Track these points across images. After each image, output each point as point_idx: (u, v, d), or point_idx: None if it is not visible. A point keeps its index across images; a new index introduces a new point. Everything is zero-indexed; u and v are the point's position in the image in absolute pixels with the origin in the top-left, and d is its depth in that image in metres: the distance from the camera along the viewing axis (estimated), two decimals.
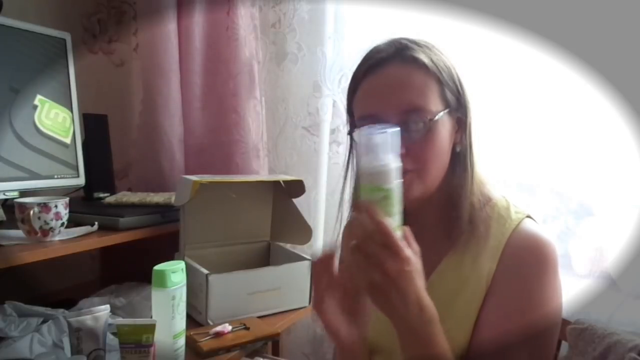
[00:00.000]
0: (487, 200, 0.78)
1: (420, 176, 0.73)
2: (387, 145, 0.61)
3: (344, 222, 0.87)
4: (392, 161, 0.61)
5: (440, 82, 0.73)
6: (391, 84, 0.73)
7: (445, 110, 0.73)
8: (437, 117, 0.72)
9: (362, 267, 0.60)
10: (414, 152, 0.71)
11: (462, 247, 0.76)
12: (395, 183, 0.62)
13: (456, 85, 0.75)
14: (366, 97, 0.76)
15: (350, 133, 0.80)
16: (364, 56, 0.78)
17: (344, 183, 0.87)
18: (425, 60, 0.73)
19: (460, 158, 0.77)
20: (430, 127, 0.71)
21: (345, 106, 0.83)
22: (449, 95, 0.74)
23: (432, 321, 0.63)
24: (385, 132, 0.61)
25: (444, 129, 0.73)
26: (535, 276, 0.72)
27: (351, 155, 0.85)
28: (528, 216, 0.77)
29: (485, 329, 0.73)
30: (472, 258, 0.75)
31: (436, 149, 0.72)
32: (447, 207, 0.77)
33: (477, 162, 0.77)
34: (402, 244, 0.59)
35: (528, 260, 0.73)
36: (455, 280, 0.76)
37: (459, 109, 0.76)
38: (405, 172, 0.71)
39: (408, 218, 0.65)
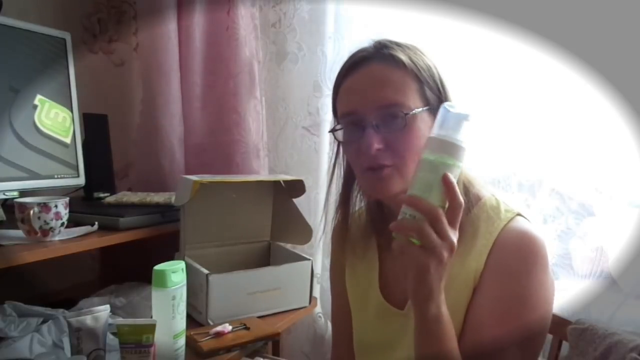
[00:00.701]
0: (476, 200, 0.78)
1: (400, 171, 0.73)
2: (467, 128, 0.63)
3: (330, 224, 0.89)
4: (465, 143, 0.63)
5: (419, 80, 0.74)
6: (370, 81, 0.75)
7: (425, 108, 0.74)
8: (414, 112, 0.72)
9: (424, 235, 0.61)
10: (393, 146, 0.73)
11: None
12: (462, 164, 0.63)
13: (437, 85, 0.76)
14: (347, 95, 0.78)
15: (332, 131, 0.81)
16: (348, 56, 0.80)
17: (330, 184, 0.88)
18: (404, 58, 0.74)
19: None
20: (407, 122, 0.72)
21: (332, 106, 0.84)
22: (429, 94, 0.75)
23: (449, 318, 0.68)
24: (468, 115, 0.63)
25: (424, 125, 0.74)
26: (523, 272, 0.72)
27: (337, 156, 0.86)
28: (519, 214, 0.77)
29: (474, 327, 0.73)
30: (459, 258, 0.74)
31: (415, 144, 0.73)
32: None
33: None
34: None
35: (515, 256, 0.73)
36: None
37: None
38: (384, 167, 0.73)
39: (394, 217, 0.65)
